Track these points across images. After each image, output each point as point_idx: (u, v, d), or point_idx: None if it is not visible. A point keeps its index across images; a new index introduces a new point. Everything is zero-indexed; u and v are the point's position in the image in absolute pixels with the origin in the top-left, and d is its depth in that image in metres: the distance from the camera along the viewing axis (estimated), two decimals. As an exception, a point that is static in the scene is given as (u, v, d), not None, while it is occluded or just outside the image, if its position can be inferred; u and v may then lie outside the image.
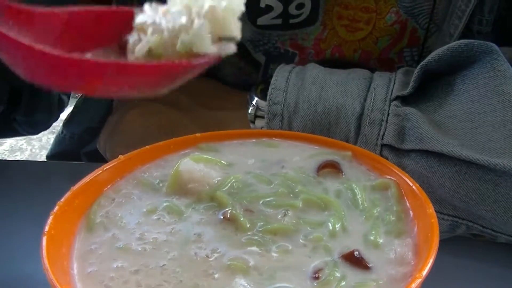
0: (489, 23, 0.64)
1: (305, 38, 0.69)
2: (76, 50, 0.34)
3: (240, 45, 0.71)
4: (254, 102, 0.58)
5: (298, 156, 0.46)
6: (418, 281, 0.33)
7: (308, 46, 0.70)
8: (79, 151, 0.86)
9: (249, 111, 0.58)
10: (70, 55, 0.32)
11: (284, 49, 0.70)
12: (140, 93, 0.36)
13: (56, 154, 0.89)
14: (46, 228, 0.37)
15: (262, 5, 0.67)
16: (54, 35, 0.34)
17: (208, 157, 0.46)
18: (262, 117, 0.57)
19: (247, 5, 0.68)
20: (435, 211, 0.38)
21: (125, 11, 0.36)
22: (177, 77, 0.35)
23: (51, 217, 0.38)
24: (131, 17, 0.36)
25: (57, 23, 0.35)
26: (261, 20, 0.68)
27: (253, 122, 0.58)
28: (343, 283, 0.35)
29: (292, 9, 0.67)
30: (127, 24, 0.35)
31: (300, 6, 0.66)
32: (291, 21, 0.68)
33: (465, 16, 0.62)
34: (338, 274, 0.35)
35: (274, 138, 0.49)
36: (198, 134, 0.48)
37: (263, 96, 0.57)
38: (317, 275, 0.35)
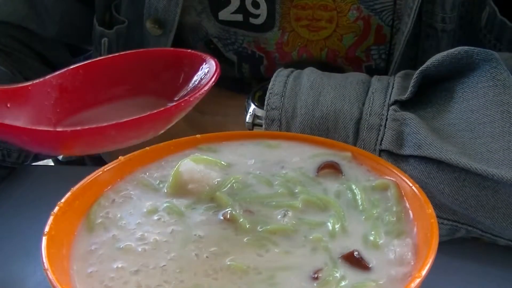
0: (453, 21, 0.63)
1: (266, 43, 0.70)
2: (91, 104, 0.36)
3: (210, 42, 0.72)
4: (251, 110, 0.58)
5: (298, 157, 0.47)
6: (418, 280, 0.33)
7: (271, 51, 0.70)
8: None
9: (247, 119, 0.58)
10: (43, 128, 0.34)
11: (251, 51, 0.71)
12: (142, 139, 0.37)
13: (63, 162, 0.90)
14: (46, 228, 0.37)
15: None
16: (52, 100, 0.36)
17: (208, 157, 0.46)
18: (260, 125, 0.57)
19: None
20: None
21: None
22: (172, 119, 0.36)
23: (51, 218, 0.38)
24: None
25: (51, 90, 0.36)
26: (222, 14, 0.69)
27: (251, 130, 0.58)
28: (343, 283, 0.35)
29: (249, 6, 0.67)
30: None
31: (255, 4, 0.67)
32: (252, 20, 0.68)
33: (412, 13, 0.62)
34: (337, 275, 0.36)
35: (274, 139, 0.49)
36: (198, 136, 0.48)
37: (260, 103, 0.57)
38: (316, 276, 0.35)
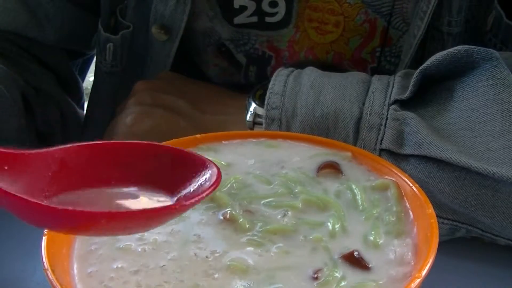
0: (459, 24, 0.64)
1: (280, 40, 0.70)
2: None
3: (222, 45, 0.73)
4: (251, 109, 0.58)
5: (298, 157, 0.46)
6: (418, 281, 0.33)
7: (283, 48, 0.70)
8: None
9: (248, 118, 0.58)
10: (43, 203, 0.33)
11: (261, 51, 0.71)
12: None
13: None
14: (46, 228, 0.37)
15: (236, 6, 0.68)
16: (50, 172, 0.36)
17: (208, 158, 0.46)
18: (261, 124, 0.57)
19: (221, 5, 0.69)
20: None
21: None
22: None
23: (51, 218, 0.38)
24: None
25: (52, 162, 0.36)
26: (238, 20, 0.69)
27: (252, 129, 0.58)
28: (343, 283, 0.35)
29: (265, 7, 0.67)
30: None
31: (273, 4, 0.67)
32: (267, 19, 0.68)
33: (426, 17, 0.62)
34: (337, 274, 0.36)
35: (274, 139, 0.49)
36: (198, 135, 0.48)
37: (261, 102, 0.57)
38: (316, 276, 0.35)
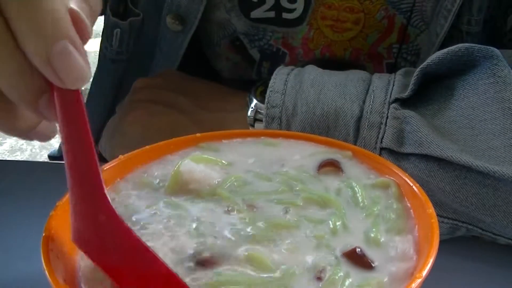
0: (478, 23, 0.64)
1: (294, 38, 0.70)
2: None
3: (237, 39, 0.72)
4: (253, 105, 0.58)
5: (299, 155, 0.46)
6: (418, 281, 0.33)
7: (296, 46, 0.70)
8: None
9: (249, 114, 0.58)
10: None
11: (276, 48, 0.71)
12: None
13: (59, 156, 0.90)
14: (46, 228, 0.37)
15: None
16: None
17: (208, 157, 0.46)
18: (262, 120, 0.57)
19: None
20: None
21: None
22: None
23: (51, 217, 0.38)
24: None
25: None
26: (255, 13, 0.69)
27: (253, 126, 0.58)
28: (347, 282, 0.35)
29: (284, 2, 0.67)
30: None
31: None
32: (285, 15, 0.68)
33: (450, 15, 0.62)
34: (341, 273, 0.35)
35: (274, 137, 0.49)
36: (198, 134, 0.48)
37: (262, 99, 0.57)
38: (320, 274, 0.35)
